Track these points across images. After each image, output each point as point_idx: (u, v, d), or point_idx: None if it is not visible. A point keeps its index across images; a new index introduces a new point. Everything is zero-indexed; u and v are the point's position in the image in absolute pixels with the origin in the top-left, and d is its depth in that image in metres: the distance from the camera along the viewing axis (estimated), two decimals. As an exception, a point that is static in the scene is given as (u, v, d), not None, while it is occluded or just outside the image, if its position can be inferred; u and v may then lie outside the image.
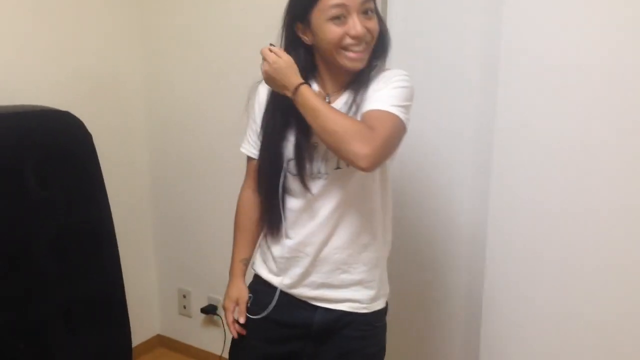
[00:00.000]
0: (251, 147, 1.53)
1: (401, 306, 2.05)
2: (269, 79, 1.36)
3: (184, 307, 2.65)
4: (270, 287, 1.52)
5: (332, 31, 1.31)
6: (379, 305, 1.52)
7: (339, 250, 1.47)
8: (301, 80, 1.33)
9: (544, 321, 1.84)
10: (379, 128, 1.28)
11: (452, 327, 2.06)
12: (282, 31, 1.41)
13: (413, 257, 2.08)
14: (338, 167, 1.42)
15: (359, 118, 1.36)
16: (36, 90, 2.08)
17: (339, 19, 1.31)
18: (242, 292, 1.57)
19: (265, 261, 1.56)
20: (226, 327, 1.63)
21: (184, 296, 2.64)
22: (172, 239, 2.63)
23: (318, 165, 1.42)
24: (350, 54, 1.33)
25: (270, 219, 1.51)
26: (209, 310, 2.55)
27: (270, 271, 1.54)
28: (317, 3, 1.31)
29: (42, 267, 1.71)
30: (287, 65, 1.34)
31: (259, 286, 1.56)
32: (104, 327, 1.91)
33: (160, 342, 2.77)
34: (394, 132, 1.31)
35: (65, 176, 1.78)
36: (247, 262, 1.60)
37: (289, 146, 1.43)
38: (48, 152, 1.74)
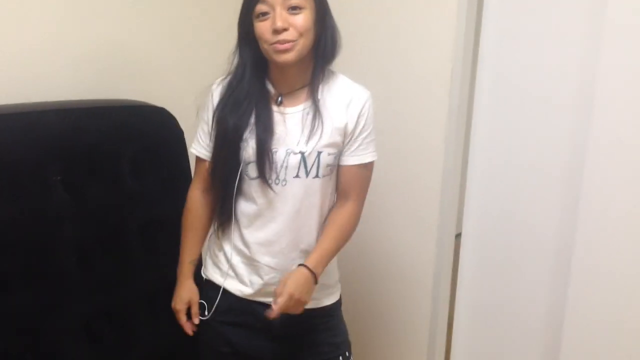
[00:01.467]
0: (202, 148, 1.55)
1: (479, 316, 2.02)
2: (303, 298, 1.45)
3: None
4: (225, 292, 1.55)
5: (259, 27, 1.38)
6: (334, 297, 1.59)
7: (296, 259, 1.50)
8: (304, 269, 1.44)
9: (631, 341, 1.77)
10: (361, 195, 1.53)
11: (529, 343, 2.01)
12: (238, 32, 1.46)
13: (494, 268, 2.04)
14: (297, 176, 1.45)
15: (329, 129, 1.43)
16: (136, 86, 2.18)
17: (264, 15, 1.36)
18: (193, 294, 1.60)
19: (216, 264, 1.58)
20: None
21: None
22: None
23: (277, 172, 1.44)
24: (276, 46, 1.36)
25: (223, 221, 1.53)
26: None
27: (224, 274, 1.56)
28: (250, 3, 1.38)
29: (131, 253, 1.79)
30: (297, 288, 1.43)
31: (212, 292, 1.58)
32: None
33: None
34: (369, 182, 1.55)
35: (158, 169, 1.86)
36: (196, 262, 1.62)
37: (247, 149, 1.44)
38: (143, 145, 1.83)
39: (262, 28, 1.37)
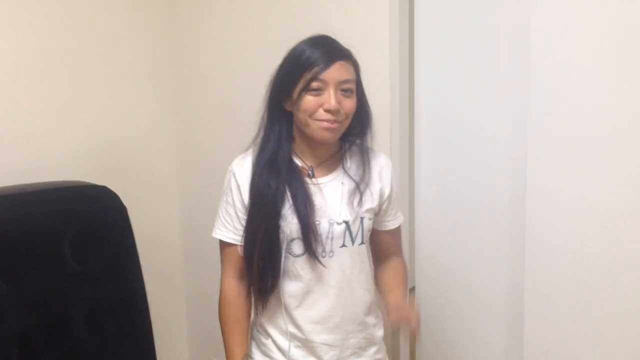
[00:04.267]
0: (230, 232, 1.47)
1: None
2: None
3: (216, 380, 2.61)
4: None
5: (308, 101, 1.37)
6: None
7: (353, 334, 1.47)
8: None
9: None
10: (401, 248, 1.63)
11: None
12: (266, 104, 1.45)
13: (450, 320, 2.05)
14: (343, 245, 1.43)
15: (368, 196, 1.45)
16: (73, 163, 2.15)
17: (316, 91, 1.36)
18: None
19: (266, 353, 1.50)
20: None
21: (216, 369, 2.61)
22: (204, 310, 2.62)
23: (322, 244, 1.42)
24: (322, 124, 1.37)
25: (269, 306, 1.46)
26: (241, 382, 2.50)
27: None
28: (301, 76, 1.37)
29: (77, 338, 1.72)
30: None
31: None
32: (137, 402, 1.89)
33: (192, 417, 2.72)
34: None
35: (101, 249, 1.82)
36: (247, 357, 1.50)
37: (288, 225, 1.40)
38: (85, 226, 1.79)
39: (313, 102, 1.36)
